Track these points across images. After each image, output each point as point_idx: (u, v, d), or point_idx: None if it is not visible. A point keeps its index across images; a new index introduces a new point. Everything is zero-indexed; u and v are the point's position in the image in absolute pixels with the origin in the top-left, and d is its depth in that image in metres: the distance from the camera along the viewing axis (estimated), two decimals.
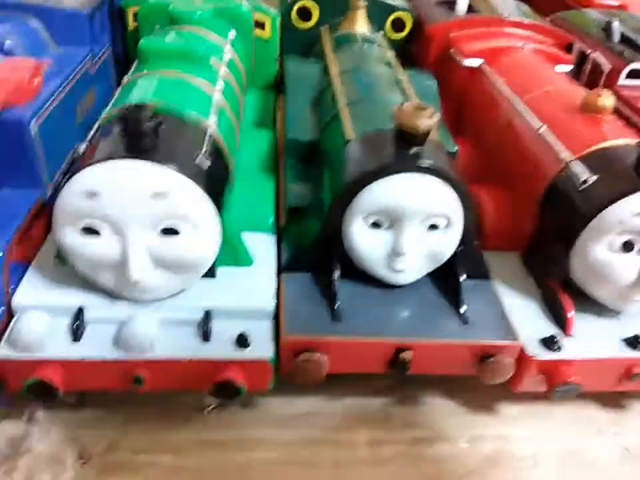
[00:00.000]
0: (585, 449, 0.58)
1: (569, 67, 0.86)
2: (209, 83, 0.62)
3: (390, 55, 0.82)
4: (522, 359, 0.54)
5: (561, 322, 0.56)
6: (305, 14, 0.93)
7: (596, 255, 0.54)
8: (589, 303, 0.58)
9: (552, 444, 0.58)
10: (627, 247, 0.53)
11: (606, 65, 0.83)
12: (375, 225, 0.53)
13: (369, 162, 0.52)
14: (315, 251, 0.56)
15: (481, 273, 0.60)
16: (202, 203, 0.49)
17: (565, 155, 0.59)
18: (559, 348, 0.54)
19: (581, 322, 0.57)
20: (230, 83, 0.69)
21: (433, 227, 0.53)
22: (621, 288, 0.55)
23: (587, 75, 0.87)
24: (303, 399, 0.59)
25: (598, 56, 0.85)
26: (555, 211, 0.58)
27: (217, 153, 0.54)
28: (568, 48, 0.92)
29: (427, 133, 0.51)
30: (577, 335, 0.56)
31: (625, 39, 0.88)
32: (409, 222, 0.52)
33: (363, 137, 0.56)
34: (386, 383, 0.61)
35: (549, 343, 0.54)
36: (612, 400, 0.62)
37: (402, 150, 0.52)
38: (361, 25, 0.90)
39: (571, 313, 0.56)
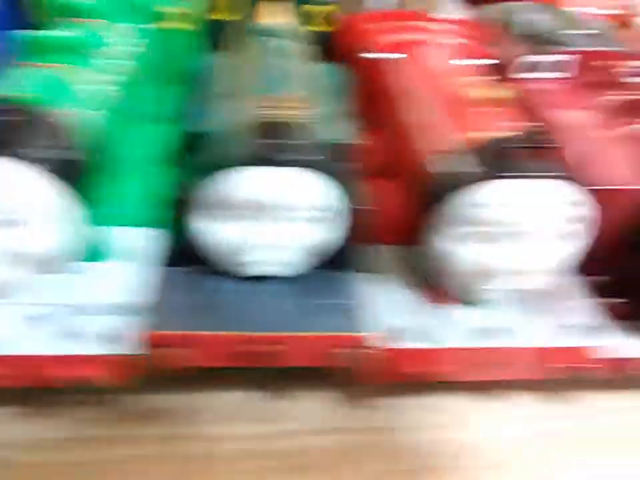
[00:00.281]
0: (444, 440, 0.58)
1: (490, 61, 0.86)
2: (90, 74, 0.62)
3: (300, 47, 0.82)
4: (372, 349, 0.54)
5: (425, 313, 0.57)
6: (226, 5, 0.92)
7: (441, 245, 0.54)
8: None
9: (422, 435, 0.58)
10: (469, 237, 0.53)
11: (509, 58, 0.83)
12: (240, 217, 0.52)
13: (227, 153, 0.52)
14: (191, 245, 0.56)
15: (358, 267, 0.60)
16: (47, 195, 0.48)
17: (440, 146, 0.59)
18: (410, 339, 0.54)
19: (441, 313, 0.58)
20: (120, 75, 0.68)
21: (304, 219, 0.53)
22: (467, 278, 0.55)
23: (499, 68, 0.86)
24: (172, 394, 0.59)
25: (504, 49, 0.85)
26: (423, 203, 0.58)
27: (75, 145, 0.54)
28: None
29: (297, 125, 0.51)
30: (434, 325, 0.56)
31: (534, 33, 0.88)
32: (270, 215, 0.52)
33: (229, 129, 0.56)
34: (265, 376, 0.60)
35: (399, 333, 0.54)
36: (485, 390, 0.62)
37: (265, 141, 0.51)
38: (278, 16, 0.90)
39: (430, 304, 0.56)
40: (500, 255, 0.53)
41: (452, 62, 0.80)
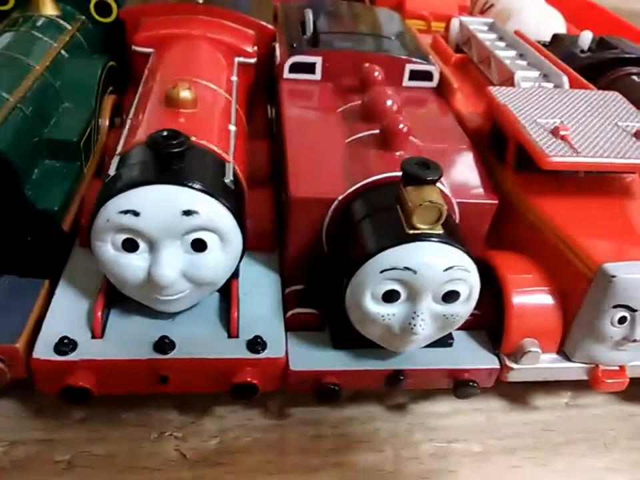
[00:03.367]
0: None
1: (251, 60, 0.84)
2: None
3: (54, 39, 0.79)
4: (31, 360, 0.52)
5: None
6: None
7: (104, 253, 0.52)
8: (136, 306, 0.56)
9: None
10: (127, 245, 0.51)
11: (277, 58, 0.81)
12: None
13: None
14: None
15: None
16: None
17: (119, 149, 0.57)
18: (69, 351, 0.52)
19: (120, 324, 0.56)
20: None
21: None
22: (137, 287, 0.53)
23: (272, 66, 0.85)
24: None
25: (278, 49, 0.83)
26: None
27: None
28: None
29: None
30: (109, 337, 0.55)
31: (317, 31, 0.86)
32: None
33: None
34: None
35: (59, 345, 0.52)
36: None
37: None
38: (47, 6, 0.86)
39: (99, 314, 0.54)
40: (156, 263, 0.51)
41: (207, 59, 0.78)
